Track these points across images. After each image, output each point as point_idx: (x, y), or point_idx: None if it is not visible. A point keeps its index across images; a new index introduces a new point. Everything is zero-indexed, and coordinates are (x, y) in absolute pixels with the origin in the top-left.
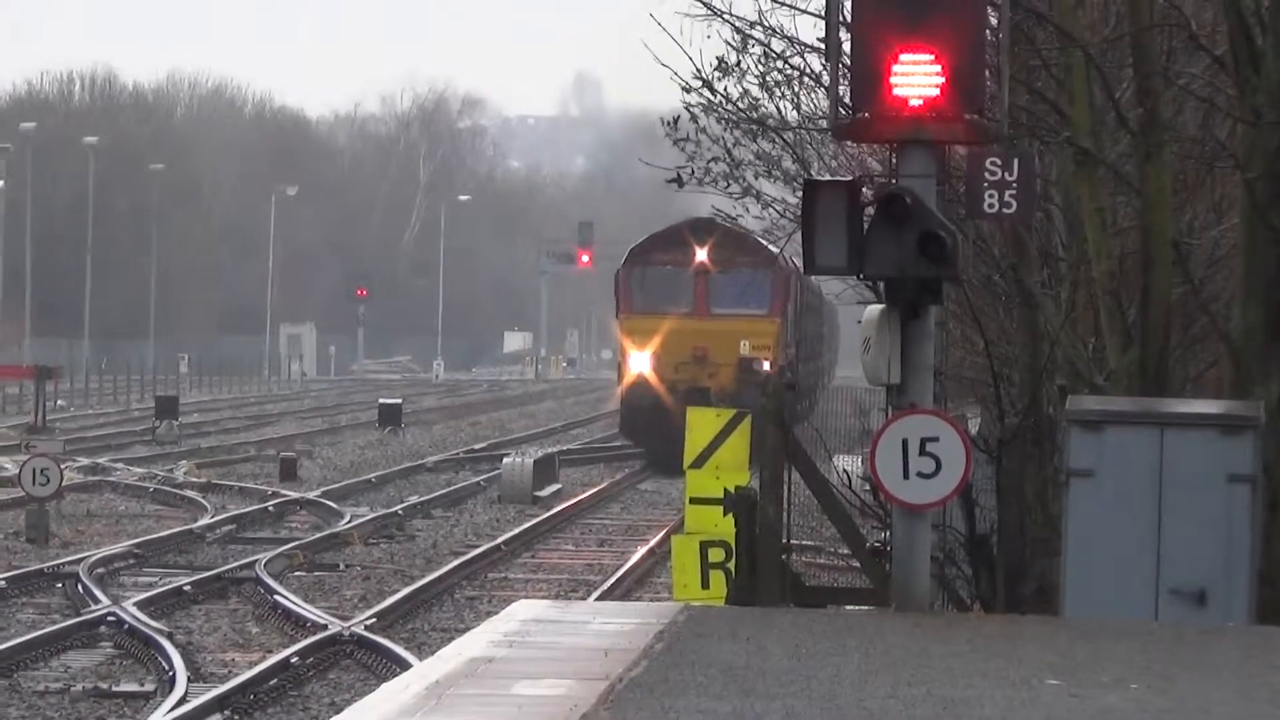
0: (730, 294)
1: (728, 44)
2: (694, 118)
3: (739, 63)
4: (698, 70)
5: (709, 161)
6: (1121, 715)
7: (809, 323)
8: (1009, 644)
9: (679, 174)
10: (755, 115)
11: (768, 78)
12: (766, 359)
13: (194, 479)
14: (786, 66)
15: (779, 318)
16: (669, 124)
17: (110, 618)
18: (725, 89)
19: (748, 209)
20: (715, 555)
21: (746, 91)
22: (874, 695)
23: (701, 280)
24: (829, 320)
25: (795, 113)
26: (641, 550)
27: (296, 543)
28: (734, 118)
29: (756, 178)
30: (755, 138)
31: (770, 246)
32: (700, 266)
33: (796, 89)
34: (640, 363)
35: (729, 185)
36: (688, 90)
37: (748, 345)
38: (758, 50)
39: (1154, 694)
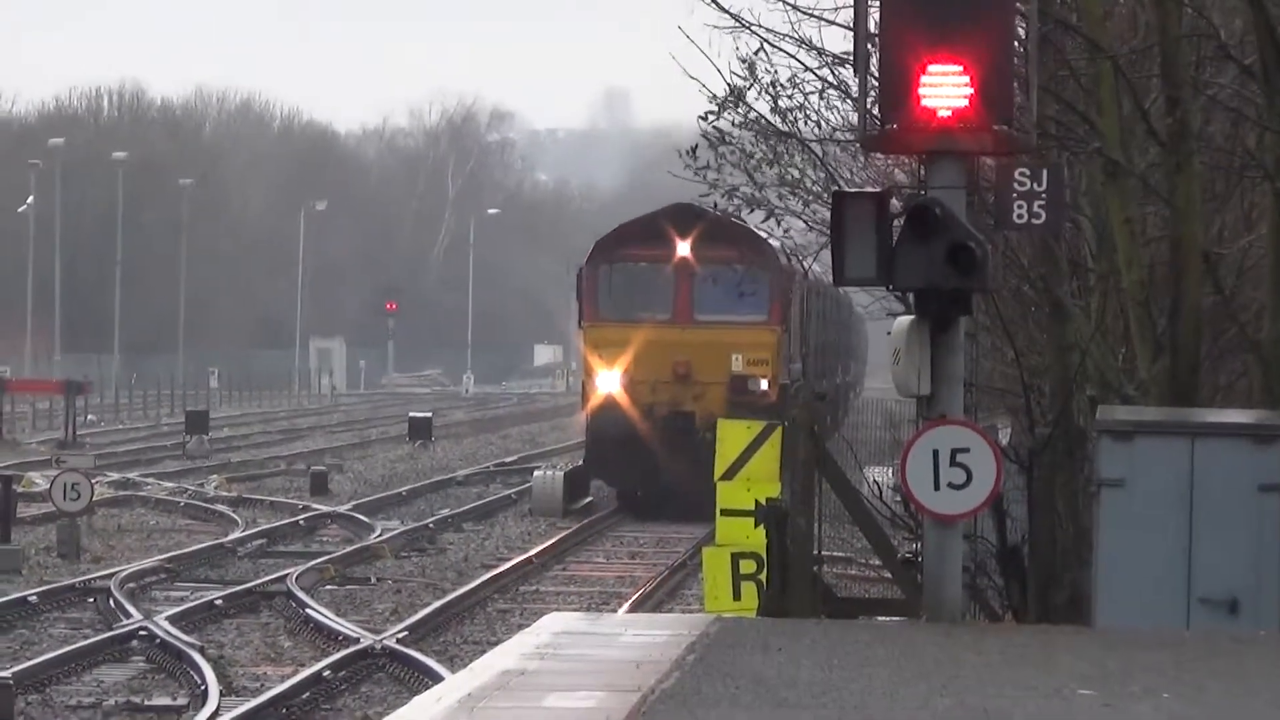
0: (719, 297)
1: (735, 74)
2: (711, 144)
3: (743, 96)
4: (727, 83)
5: (730, 190)
6: None
7: (823, 333)
8: (1041, 654)
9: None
10: (780, 130)
11: (779, 102)
12: (764, 376)
13: (225, 493)
14: (798, 90)
15: (779, 326)
16: (688, 154)
17: (142, 632)
18: (744, 113)
19: (771, 231)
20: (746, 567)
21: (760, 116)
22: (906, 706)
23: (684, 280)
24: (854, 331)
25: (817, 129)
26: (672, 562)
27: (328, 556)
28: (754, 140)
29: (780, 199)
30: (775, 160)
31: (764, 233)
32: (682, 263)
33: (819, 103)
34: (609, 382)
35: (753, 210)
36: (704, 119)
37: (740, 360)
38: (766, 79)
39: (1186, 704)
